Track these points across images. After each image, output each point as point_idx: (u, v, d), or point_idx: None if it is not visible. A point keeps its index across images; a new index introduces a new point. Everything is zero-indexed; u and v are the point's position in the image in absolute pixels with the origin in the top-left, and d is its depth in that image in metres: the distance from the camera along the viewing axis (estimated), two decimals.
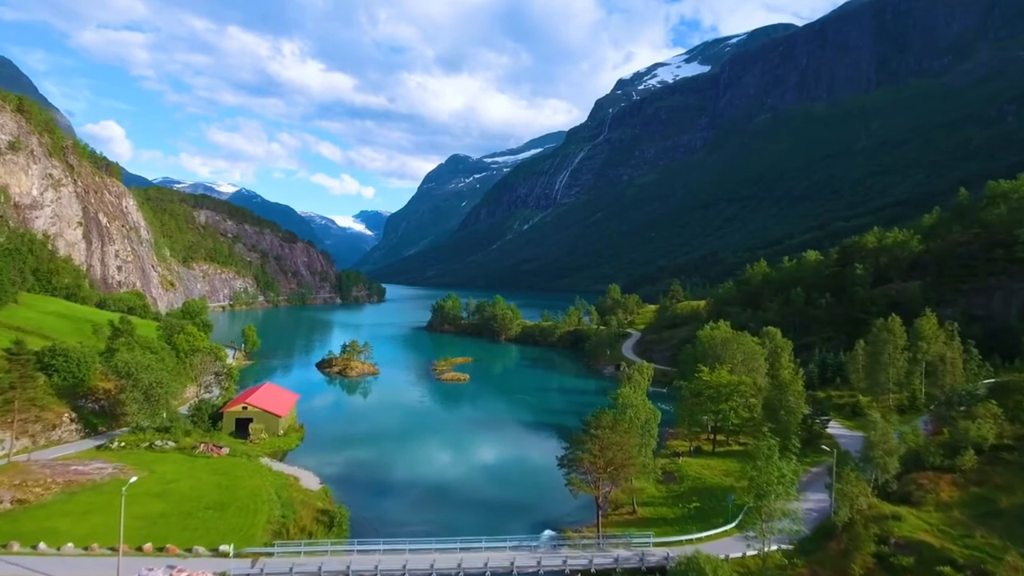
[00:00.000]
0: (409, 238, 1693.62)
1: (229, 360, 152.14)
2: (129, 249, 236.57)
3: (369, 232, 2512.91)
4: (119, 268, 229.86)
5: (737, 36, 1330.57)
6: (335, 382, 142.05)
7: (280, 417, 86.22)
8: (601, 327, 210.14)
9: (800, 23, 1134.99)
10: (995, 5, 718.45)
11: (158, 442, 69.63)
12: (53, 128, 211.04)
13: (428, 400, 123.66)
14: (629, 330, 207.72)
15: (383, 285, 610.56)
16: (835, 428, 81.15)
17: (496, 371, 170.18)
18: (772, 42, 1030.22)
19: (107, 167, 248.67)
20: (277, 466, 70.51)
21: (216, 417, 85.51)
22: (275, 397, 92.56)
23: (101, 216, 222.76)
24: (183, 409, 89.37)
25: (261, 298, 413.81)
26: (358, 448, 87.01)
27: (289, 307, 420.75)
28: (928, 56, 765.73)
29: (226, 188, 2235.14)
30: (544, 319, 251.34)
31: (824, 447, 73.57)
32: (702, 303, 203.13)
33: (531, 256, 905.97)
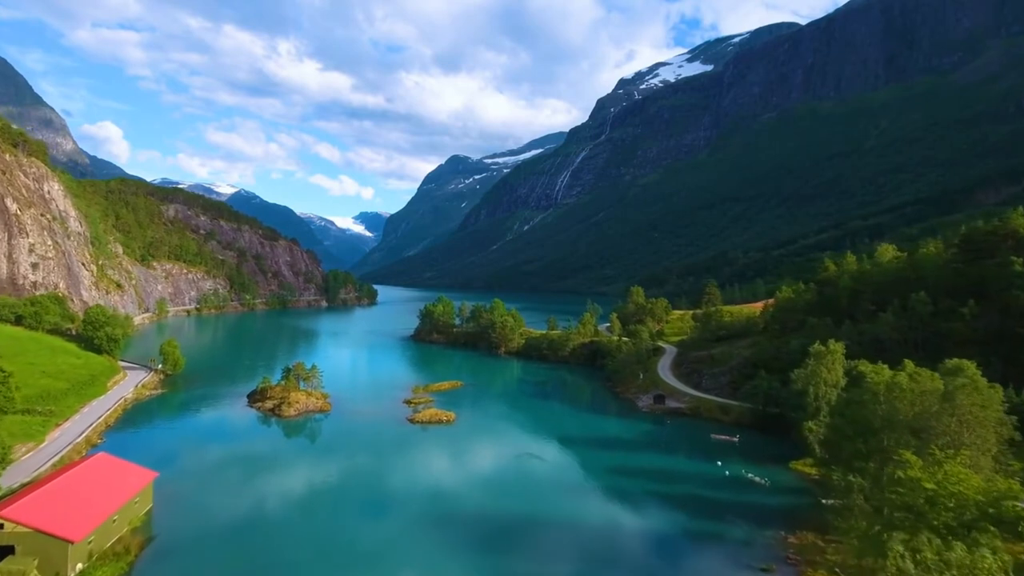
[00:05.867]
0: (409, 239, 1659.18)
1: (126, 392, 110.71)
2: (50, 243, 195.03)
3: (368, 233, 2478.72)
4: (34, 266, 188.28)
5: (740, 35, 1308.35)
6: (264, 424, 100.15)
7: (72, 543, 44.59)
8: (624, 339, 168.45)
9: (801, 21, 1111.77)
10: (1006, 1, 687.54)
11: None
12: None
13: (387, 465, 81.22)
14: (660, 343, 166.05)
15: (376, 287, 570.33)
16: None
17: (492, 402, 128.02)
18: (777, 40, 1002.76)
19: (24, 144, 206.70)
20: None
21: None
22: (85, 492, 50.78)
23: (10, 202, 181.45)
24: None
25: (235, 301, 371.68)
26: None
27: (267, 311, 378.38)
28: (938, 53, 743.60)
29: (225, 189, 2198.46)
30: (550, 326, 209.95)
31: None
32: (756, 308, 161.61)
33: (532, 257, 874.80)
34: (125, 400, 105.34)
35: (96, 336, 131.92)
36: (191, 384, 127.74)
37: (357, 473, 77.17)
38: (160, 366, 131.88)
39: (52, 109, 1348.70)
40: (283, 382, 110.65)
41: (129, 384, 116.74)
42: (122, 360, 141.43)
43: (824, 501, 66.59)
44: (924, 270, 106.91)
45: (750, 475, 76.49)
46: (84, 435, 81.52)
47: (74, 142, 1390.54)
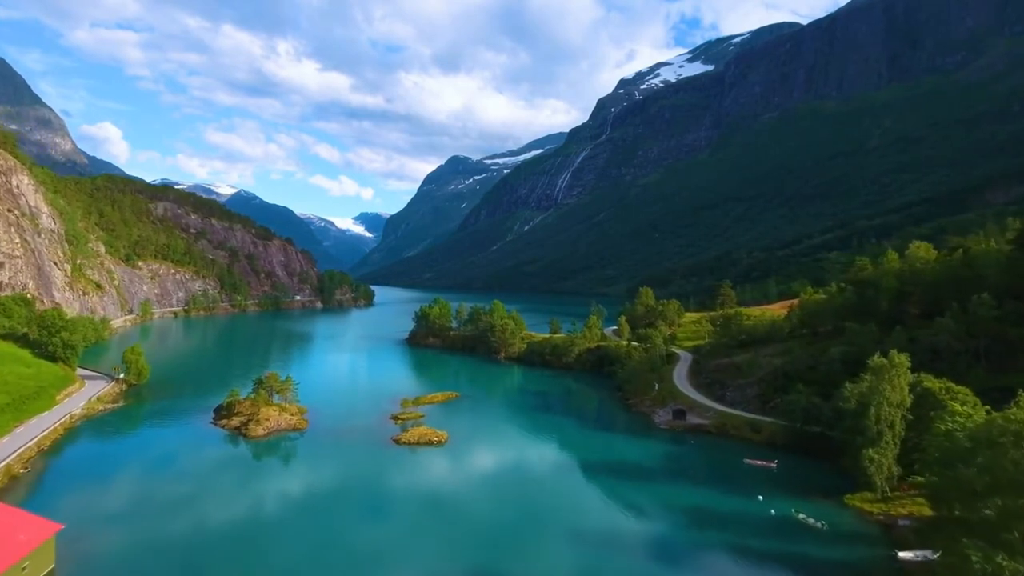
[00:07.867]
0: (409, 240, 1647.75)
1: (76, 407, 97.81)
2: (17, 241, 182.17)
3: (368, 234, 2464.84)
4: (0, 265, 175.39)
5: (740, 35, 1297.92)
6: (227, 446, 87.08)
7: None
8: (634, 344, 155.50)
9: (801, 21, 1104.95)
10: (1009, 0, 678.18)
11: None
12: None
13: (364, 501, 68.18)
14: (673, 349, 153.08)
15: (375, 287, 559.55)
16: None
17: (490, 418, 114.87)
18: (778, 40, 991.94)
19: None
20: None
21: None
22: None
23: None
24: None
25: (225, 302, 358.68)
26: None
27: (259, 313, 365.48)
28: (941, 52, 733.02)
29: (225, 190, 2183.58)
30: (553, 329, 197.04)
31: None
32: (775, 310, 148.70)
33: (532, 257, 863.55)
34: (72, 417, 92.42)
35: (50, 342, 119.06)
36: (157, 396, 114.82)
37: (328, 511, 64.02)
38: (123, 375, 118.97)
39: (51, 109, 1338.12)
40: (253, 395, 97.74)
41: (82, 397, 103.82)
42: (83, 369, 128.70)
43: (900, 554, 53.90)
44: (984, 269, 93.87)
45: (801, 515, 63.46)
46: (4, 463, 68.54)
47: (72, 142, 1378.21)
